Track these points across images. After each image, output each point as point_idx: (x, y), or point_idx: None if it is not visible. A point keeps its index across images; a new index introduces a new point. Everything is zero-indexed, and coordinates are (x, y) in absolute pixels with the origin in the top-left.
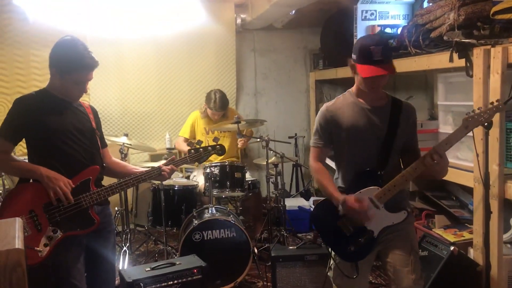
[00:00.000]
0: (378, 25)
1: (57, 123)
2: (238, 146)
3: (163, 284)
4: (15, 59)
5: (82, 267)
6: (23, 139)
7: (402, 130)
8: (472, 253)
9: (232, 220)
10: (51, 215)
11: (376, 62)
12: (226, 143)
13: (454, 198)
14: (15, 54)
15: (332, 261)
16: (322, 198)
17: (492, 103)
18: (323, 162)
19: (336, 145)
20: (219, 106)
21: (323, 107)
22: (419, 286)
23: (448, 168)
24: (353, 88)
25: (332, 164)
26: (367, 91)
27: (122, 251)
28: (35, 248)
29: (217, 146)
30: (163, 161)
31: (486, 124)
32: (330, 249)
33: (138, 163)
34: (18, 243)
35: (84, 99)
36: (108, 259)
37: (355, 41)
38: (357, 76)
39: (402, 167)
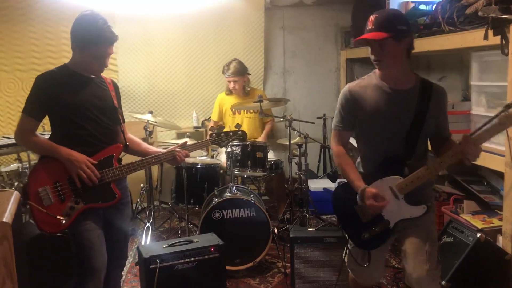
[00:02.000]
0: (412, 1)
1: (76, 100)
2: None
3: (180, 261)
4: (46, 36)
5: (102, 236)
6: (46, 116)
7: (431, 117)
8: (500, 241)
9: (252, 199)
10: (75, 186)
11: (368, 31)
12: (251, 124)
13: (485, 183)
14: (46, 31)
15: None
16: None
17: None
18: (345, 145)
19: (358, 129)
20: (231, 72)
21: (345, 87)
22: (433, 277)
23: None
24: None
25: (354, 143)
26: (377, 68)
27: (145, 227)
28: (58, 216)
29: (239, 132)
30: (186, 139)
31: None
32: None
33: (165, 140)
34: (7, 217)
35: (112, 77)
36: (121, 230)
37: None
38: None
39: (428, 152)
